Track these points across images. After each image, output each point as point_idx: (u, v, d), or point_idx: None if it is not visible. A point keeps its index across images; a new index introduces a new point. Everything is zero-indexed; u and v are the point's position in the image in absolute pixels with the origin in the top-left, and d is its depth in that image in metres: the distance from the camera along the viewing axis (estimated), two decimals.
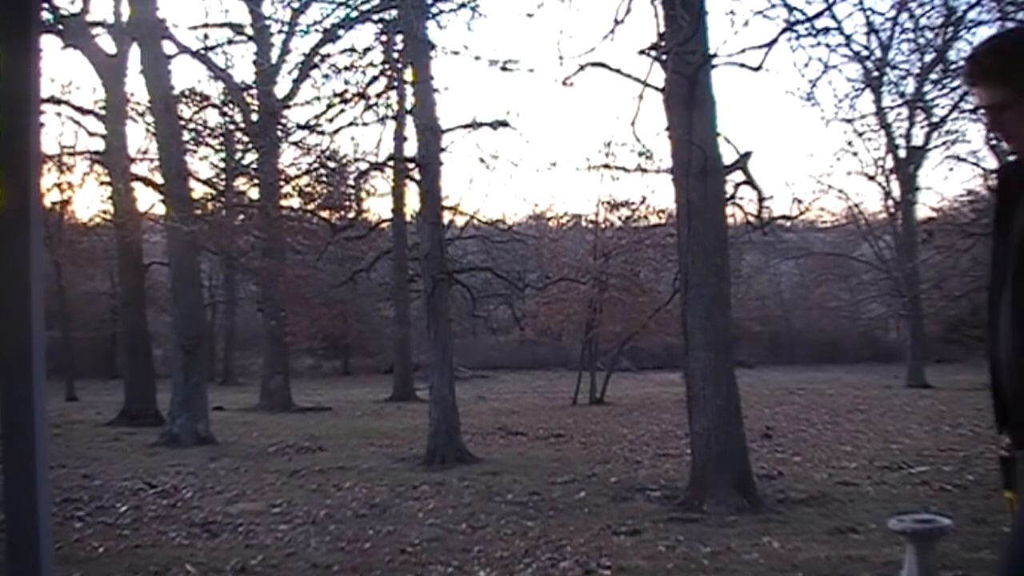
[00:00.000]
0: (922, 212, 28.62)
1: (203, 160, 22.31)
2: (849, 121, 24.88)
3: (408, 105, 16.34)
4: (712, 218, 9.69)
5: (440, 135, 14.55)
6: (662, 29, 9.53)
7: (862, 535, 7.66)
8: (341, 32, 15.80)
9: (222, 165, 22.45)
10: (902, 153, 26.37)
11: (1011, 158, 2.75)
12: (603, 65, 9.74)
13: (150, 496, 10.42)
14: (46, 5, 17.02)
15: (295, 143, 20.37)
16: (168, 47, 17.13)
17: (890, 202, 28.17)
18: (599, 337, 24.01)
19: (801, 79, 17.08)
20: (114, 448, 14.98)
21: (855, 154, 30.69)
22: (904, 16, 18.93)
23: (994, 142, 24.27)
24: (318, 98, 16.74)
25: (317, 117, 16.59)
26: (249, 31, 21.30)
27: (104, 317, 31.35)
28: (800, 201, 27.09)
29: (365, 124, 16.13)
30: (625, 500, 9.80)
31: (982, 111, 2.64)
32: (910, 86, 23.70)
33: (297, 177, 23.19)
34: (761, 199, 11.32)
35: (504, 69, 15.71)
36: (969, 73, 2.57)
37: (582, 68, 10.32)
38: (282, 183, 22.25)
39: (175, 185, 16.79)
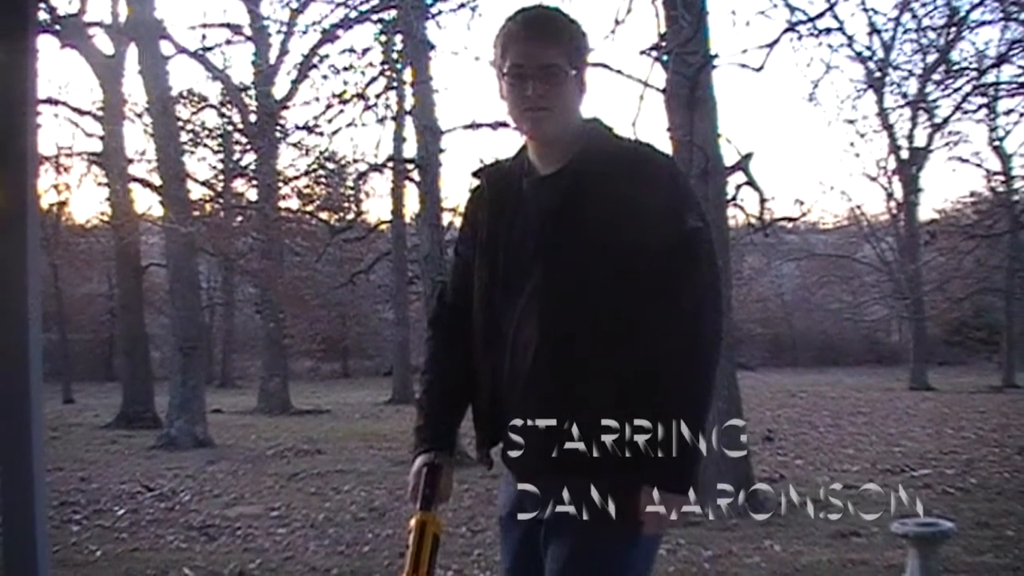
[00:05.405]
0: (925, 213, 28.65)
1: (201, 161, 22.34)
2: (851, 122, 24.98)
3: (407, 106, 16.34)
4: (713, 220, 9.59)
5: (440, 136, 14.55)
6: (663, 29, 9.52)
7: (864, 539, 7.66)
8: (340, 32, 15.77)
9: (220, 166, 22.47)
10: (904, 154, 26.34)
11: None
12: (604, 66, 9.71)
13: (148, 499, 10.41)
14: (43, 5, 17.01)
15: (294, 144, 20.40)
16: (166, 47, 17.14)
17: (892, 203, 28.17)
18: None
19: (803, 80, 17.13)
20: (111, 451, 14.97)
21: (857, 155, 30.75)
22: (907, 16, 18.96)
23: (996, 143, 24.38)
24: (317, 99, 16.71)
25: (316, 118, 16.55)
26: (247, 31, 21.28)
27: (102, 319, 31.27)
28: (802, 202, 27.19)
29: (364, 125, 16.10)
30: None
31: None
32: (912, 87, 23.77)
33: (296, 178, 23.23)
34: (763, 200, 11.28)
35: None
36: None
37: None
38: (280, 184, 22.26)
39: (173, 186, 16.79)
